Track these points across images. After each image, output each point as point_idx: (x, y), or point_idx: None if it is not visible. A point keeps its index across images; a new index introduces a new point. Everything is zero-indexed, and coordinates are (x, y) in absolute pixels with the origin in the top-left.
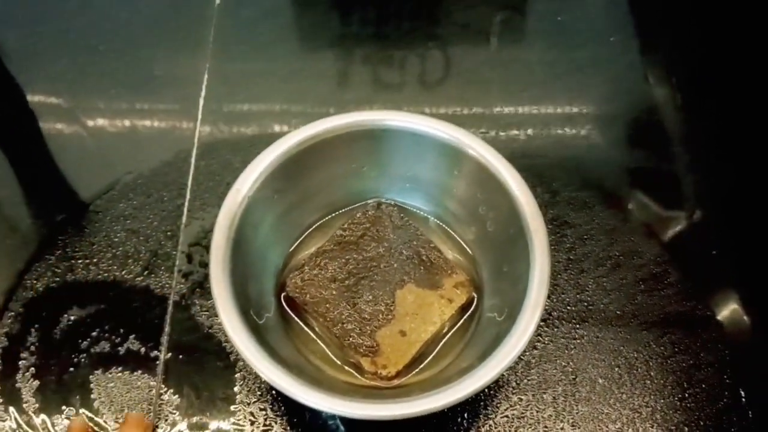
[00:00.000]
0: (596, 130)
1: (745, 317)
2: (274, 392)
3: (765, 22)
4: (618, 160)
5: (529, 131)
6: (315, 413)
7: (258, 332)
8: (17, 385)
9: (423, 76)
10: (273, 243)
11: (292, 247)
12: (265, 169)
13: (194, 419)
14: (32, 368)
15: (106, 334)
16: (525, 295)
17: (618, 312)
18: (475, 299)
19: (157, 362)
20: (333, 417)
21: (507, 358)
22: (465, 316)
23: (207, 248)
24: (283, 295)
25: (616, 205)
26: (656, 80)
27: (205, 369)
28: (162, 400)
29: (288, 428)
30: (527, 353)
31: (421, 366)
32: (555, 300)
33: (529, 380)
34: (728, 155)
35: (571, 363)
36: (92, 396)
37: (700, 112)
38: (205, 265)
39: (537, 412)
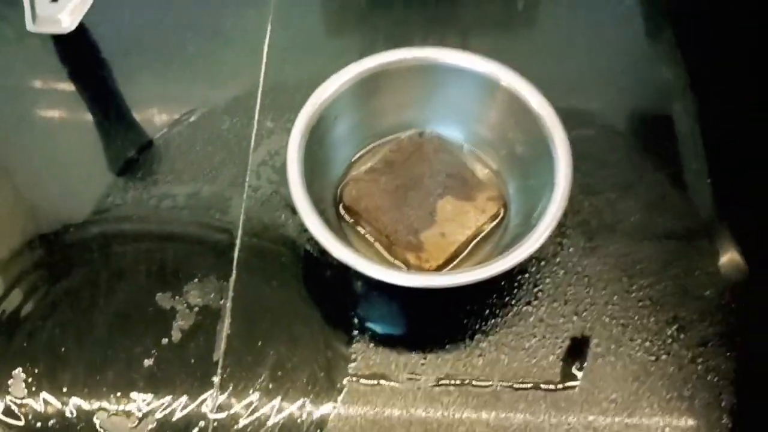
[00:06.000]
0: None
1: (729, 231)
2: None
3: None
4: (627, 106)
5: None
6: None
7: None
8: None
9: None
10: (332, 160)
11: (347, 165)
12: (332, 94)
13: (266, 314)
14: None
15: (188, 232)
16: (548, 199)
17: (625, 227)
18: (504, 211)
19: (232, 256)
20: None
21: (536, 244)
22: (494, 224)
23: (273, 167)
24: (341, 204)
25: (624, 141)
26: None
27: (277, 262)
28: (235, 291)
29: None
30: (549, 262)
31: (456, 262)
32: (572, 216)
33: (548, 280)
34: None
35: (586, 269)
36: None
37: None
38: (271, 182)
39: (554, 307)
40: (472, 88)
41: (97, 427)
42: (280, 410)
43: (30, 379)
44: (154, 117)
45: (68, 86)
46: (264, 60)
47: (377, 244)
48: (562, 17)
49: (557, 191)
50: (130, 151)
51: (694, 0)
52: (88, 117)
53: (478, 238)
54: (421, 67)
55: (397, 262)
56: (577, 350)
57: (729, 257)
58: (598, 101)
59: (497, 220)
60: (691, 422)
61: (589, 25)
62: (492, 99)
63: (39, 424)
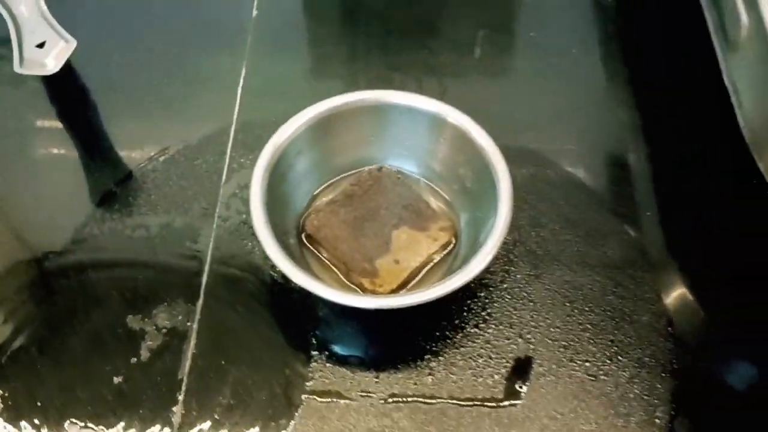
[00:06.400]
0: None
1: (666, 261)
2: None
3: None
4: (578, 145)
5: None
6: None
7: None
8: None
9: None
10: (295, 193)
11: (310, 198)
12: (292, 133)
13: (231, 336)
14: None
15: (159, 260)
16: (491, 229)
17: (568, 257)
18: (455, 240)
19: (201, 282)
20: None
21: (480, 266)
22: (446, 252)
23: (242, 199)
24: (303, 234)
25: (573, 178)
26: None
27: (243, 288)
28: (202, 313)
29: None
30: (497, 287)
31: (408, 287)
32: (519, 246)
33: (496, 305)
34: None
35: (531, 294)
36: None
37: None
38: (240, 212)
39: (501, 330)
40: (424, 127)
41: None
42: (240, 425)
43: (6, 394)
44: (133, 153)
45: (56, 123)
46: (238, 101)
47: (336, 271)
48: (522, 63)
49: (498, 222)
50: (109, 184)
51: (649, 45)
52: (73, 152)
53: (430, 265)
54: (375, 108)
55: (353, 286)
56: (521, 370)
57: (666, 285)
58: (551, 141)
59: (448, 249)
60: None
61: (546, 69)
62: (442, 137)
63: None
